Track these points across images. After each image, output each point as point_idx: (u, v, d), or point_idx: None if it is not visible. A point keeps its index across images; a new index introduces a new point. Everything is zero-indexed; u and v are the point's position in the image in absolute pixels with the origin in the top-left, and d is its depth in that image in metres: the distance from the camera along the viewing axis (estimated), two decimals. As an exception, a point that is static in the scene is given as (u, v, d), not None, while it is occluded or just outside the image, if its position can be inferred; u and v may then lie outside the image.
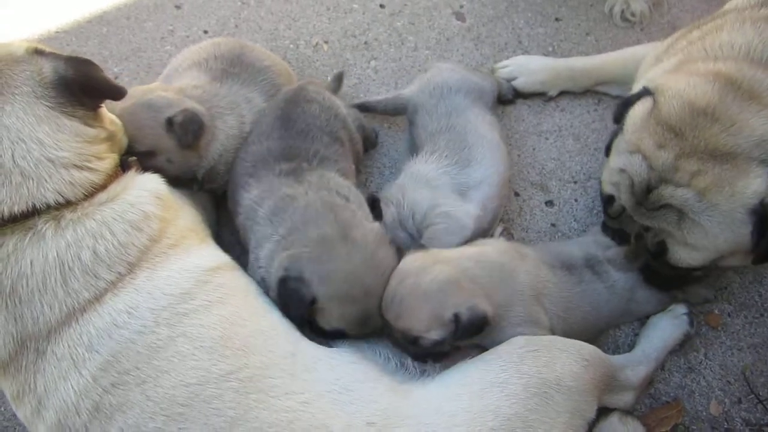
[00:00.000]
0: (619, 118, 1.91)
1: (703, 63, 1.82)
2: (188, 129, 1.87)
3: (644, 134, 1.76)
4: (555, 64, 2.56)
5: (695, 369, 2.07)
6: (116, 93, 1.70)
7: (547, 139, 2.49)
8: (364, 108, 2.35)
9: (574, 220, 2.33)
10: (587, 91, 2.58)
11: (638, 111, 1.81)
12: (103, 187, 1.60)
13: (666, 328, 2.04)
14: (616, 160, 1.86)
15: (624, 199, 1.85)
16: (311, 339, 1.70)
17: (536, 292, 1.82)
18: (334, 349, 1.67)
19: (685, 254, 1.79)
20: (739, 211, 1.66)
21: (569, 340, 1.77)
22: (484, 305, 1.65)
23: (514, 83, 2.53)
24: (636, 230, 1.90)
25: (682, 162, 1.68)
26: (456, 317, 1.62)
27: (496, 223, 2.15)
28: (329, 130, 1.99)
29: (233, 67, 2.14)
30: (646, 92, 1.82)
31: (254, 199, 1.85)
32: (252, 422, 1.44)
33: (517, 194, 2.36)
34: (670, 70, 1.93)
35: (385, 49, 2.65)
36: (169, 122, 1.85)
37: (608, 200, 1.94)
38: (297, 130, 1.94)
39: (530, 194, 2.37)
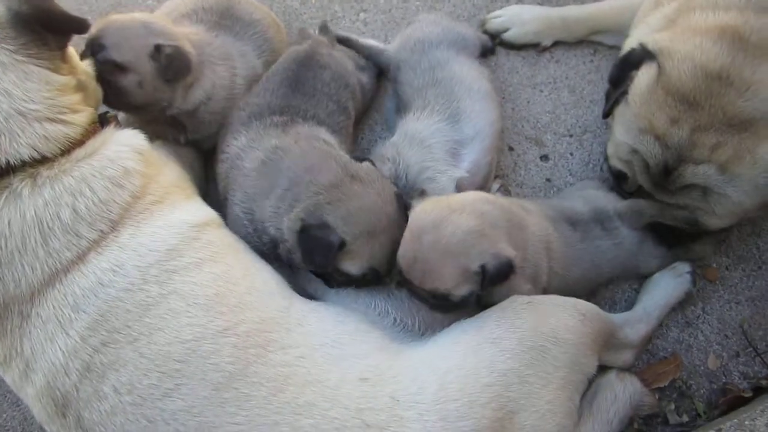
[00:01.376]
0: (617, 79, 1.83)
1: (703, 13, 1.74)
2: (173, 64, 1.79)
3: (654, 108, 1.68)
4: (548, 13, 2.48)
5: (693, 324, 2.05)
6: (79, 26, 1.61)
7: (541, 91, 2.42)
8: (347, 43, 2.28)
9: (570, 175, 2.28)
10: (582, 41, 2.49)
11: (643, 79, 1.73)
12: (80, 142, 1.53)
13: (668, 286, 2.01)
14: (625, 137, 1.78)
15: (641, 180, 1.81)
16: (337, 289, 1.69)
17: (545, 246, 1.77)
18: (321, 304, 1.64)
19: (715, 221, 1.78)
20: (763, 175, 1.63)
21: (566, 297, 1.75)
22: (508, 250, 1.57)
23: (506, 35, 2.45)
24: (660, 204, 1.85)
25: (699, 136, 1.63)
26: (482, 268, 1.54)
27: (491, 177, 2.10)
28: (336, 99, 1.98)
29: (224, 20, 2.09)
30: (647, 54, 1.73)
31: (241, 147, 1.82)
32: (251, 377, 1.41)
33: (511, 149, 2.31)
34: (670, 16, 1.85)
35: (375, 1, 2.56)
36: (157, 49, 1.77)
37: (619, 175, 1.89)
38: (302, 92, 1.93)
39: (525, 149, 2.32)
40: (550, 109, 2.39)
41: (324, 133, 1.85)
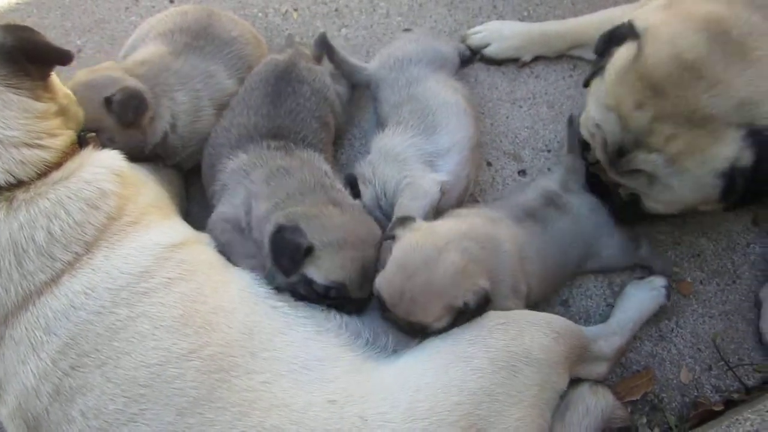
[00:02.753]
0: (601, 51, 1.86)
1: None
2: (128, 107, 1.83)
3: (624, 89, 1.70)
4: (528, 28, 2.51)
5: (666, 337, 2.08)
6: (62, 57, 1.63)
7: (520, 107, 2.45)
8: (327, 49, 2.27)
9: (547, 190, 2.30)
10: (562, 57, 2.52)
11: (621, 58, 1.74)
12: (57, 165, 1.55)
13: (643, 300, 2.03)
14: (593, 109, 1.83)
15: (598, 155, 1.85)
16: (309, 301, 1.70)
17: (518, 258, 1.81)
18: (290, 323, 1.65)
19: (656, 206, 1.83)
20: (709, 175, 1.65)
21: (539, 313, 1.77)
22: (484, 284, 1.64)
23: (487, 50, 2.47)
24: (609, 180, 1.90)
25: (657, 125, 1.65)
26: (465, 304, 1.61)
27: (468, 190, 2.12)
28: (318, 115, 2.02)
29: (197, 40, 2.10)
30: (632, 33, 1.74)
31: (243, 165, 1.87)
32: (215, 402, 1.43)
33: (489, 164, 2.33)
34: (663, 3, 1.84)
35: (356, 16, 2.59)
36: (108, 101, 1.81)
37: (585, 145, 1.93)
38: (286, 110, 1.97)
39: (503, 163, 2.34)
40: (529, 125, 2.41)
41: (323, 163, 1.93)
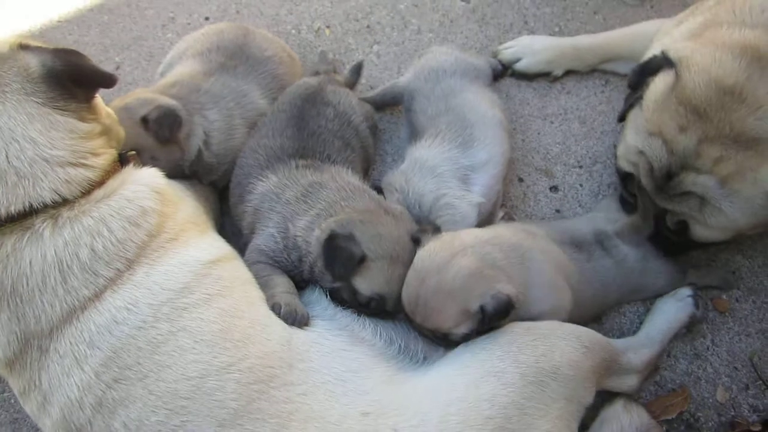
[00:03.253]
0: (635, 84, 1.87)
1: (729, 28, 1.76)
2: (163, 123, 1.88)
3: (665, 115, 1.72)
4: (559, 42, 2.52)
5: (702, 355, 2.05)
6: (107, 81, 1.67)
7: (552, 122, 2.45)
8: (370, 102, 2.33)
9: (579, 206, 2.30)
10: (594, 72, 2.53)
11: (659, 86, 1.77)
12: (100, 183, 1.59)
13: (670, 311, 2.02)
14: (634, 139, 1.83)
15: (644, 182, 1.84)
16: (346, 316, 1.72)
17: (557, 268, 1.81)
18: (325, 334, 1.67)
19: (706, 233, 1.81)
20: (762, 196, 1.65)
21: (569, 326, 1.77)
22: (506, 288, 1.63)
23: (518, 65, 2.49)
24: (656, 209, 1.88)
25: (704, 147, 1.65)
26: (482, 308, 1.61)
27: (498, 205, 2.13)
28: (341, 136, 2.05)
29: (231, 60, 2.15)
30: (667, 62, 1.76)
31: (274, 186, 1.89)
32: (254, 414, 1.45)
33: (521, 179, 2.33)
34: (695, 31, 1.87)
35: (388, 33, 2.62)
36: (144, 120, 1.87)
37: (625, 177, 1.93)
38: (309, 132, 2.00)
39: (534, 179, 2.34)
40: (561, 140, 2.41)
41: (351, 176, 1.94)
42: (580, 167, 2.37)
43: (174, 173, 1.94)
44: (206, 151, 2.02)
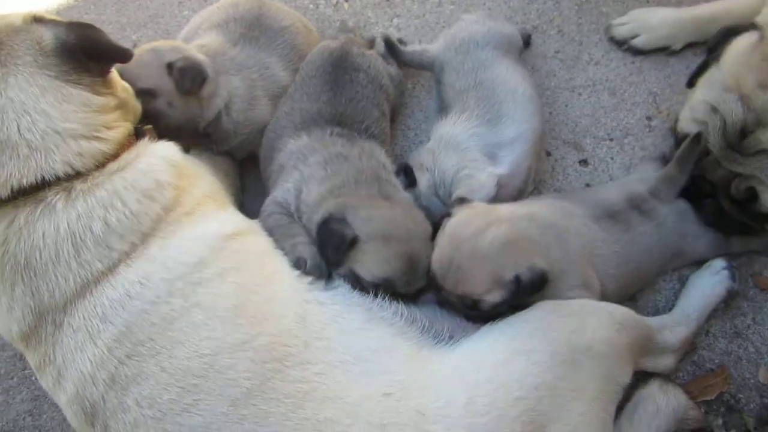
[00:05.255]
0: (714, 48, 1.80)
1: None
2: (186, 74, 1.84)
3: (745, 69, 1.66)
4: (678, 15, 2.37)
5: (742, 334, 1.96)
6: (122, 55, 1.64)
7: (580, 94, 2.36)
8: (391, 47, 2.25)
9: (610, 180, 2.21)
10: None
11: (741, 44, 1.71)
12: (114, 156, 1.56)
13: (705, 286, 1.93)
14: (707, 95, 1.77)
15: (713, 141, 1.76)
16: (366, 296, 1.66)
17: (588, 254, 1.75)
18: (343, 311, 1.61)
19: None
20: None
21: (601, 303, 1.71)
22: (542, 264, 1.59)
23: (636, 42, 2.37)
24: (720, 175, 1.80)
25: None
26: (517, 278, 1.56)
27: (530, 183, 2.05)
28: (377, 103, 2.00)
29: (252, 31, 2.11)
30: (752, 27, 1.72)
31: (304, 146, 1.86)
32: (269, 393, 1.41)
33: (549, 153, 2.25)
34: None
35: (408, 6, 2.54)
36: (169, 66, 1.83)
37: (682, 141, 1.85)
38: (346, 98, 1.95)
39: (563, 153, 2.26)
40: (590, 113, 2.32)
41: (383, 155, 1.89)
42: (611, 140, 2.27)
43: (186, 128, 1.91)
44: (226, 116, 1.99)
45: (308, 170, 1.81)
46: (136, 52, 1.83)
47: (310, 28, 2.29)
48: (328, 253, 1.66)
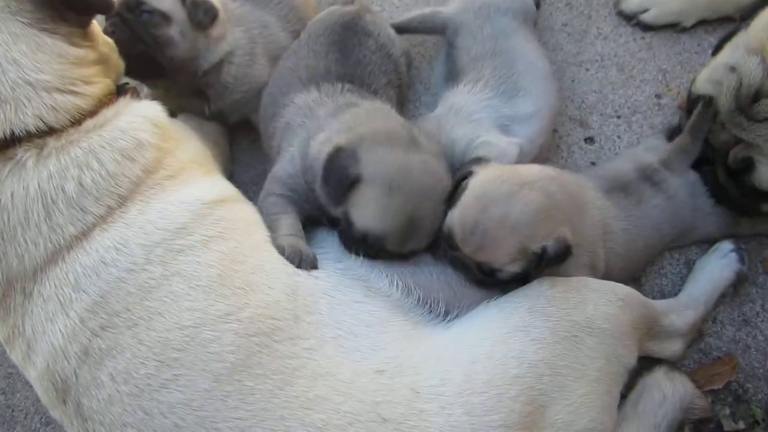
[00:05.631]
0: (748, 15, 1.72)
1: None
2: (200, 6, 1.79)
3: None
4: None
5: (751, 322, 1.87)
6: (102, 6, 1.54)
7: (587, 69, 2.26)
8: (395, 29, 2.14)
9: (617, 159, 2.11)
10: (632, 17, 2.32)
11: None
12: (92, 113, 1.45)
13: (713, 269, 1.85)
14: (729, 56, 1.69)
15: (723, 101, 1.67)
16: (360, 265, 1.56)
17: (602, 231, 1.66)
18: (336, 284, 1.51)
19: None
20: None
21: (602, 281, 1.61)
22: (568, 234, 1.49)
23: (645, 16, 2.27)
24: (722, 140, 1.72)
25: None
26: (543, 249, 1.46)
27: (541, 161, 1.94)
28: (384, 71, 1.91)
29: None
30: None
31: (312, 100, 1.76)
32: (255, 369, 1.31)
33: (554, 130, 2.15)
34: None
35: (410, -26, 2.42)
36: None
37: (695, 102, 1.78)
38: (355, 60, 1.86)
39: (568, 130, 2.16)
40: (597, 89, 2.22)
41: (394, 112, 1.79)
42: (618, 117, 2.17)
43: (188, 68, 1.85)
44: (228, 64, 1.91)
45: (315, 124, 1.68)
46: None
47: (308, -9, 2.19)
48: (329, 188, 1.54)
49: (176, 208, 1.43)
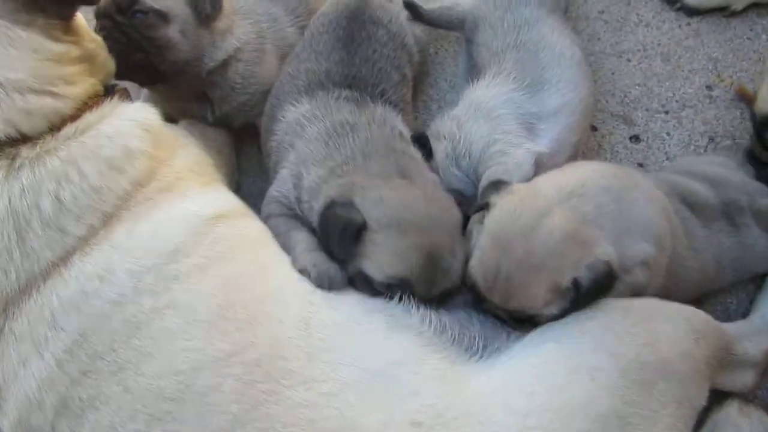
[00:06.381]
0: None
1: None
2: None
3: None
4: None
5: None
6: None
7: (629, 60, 2.04)
8: (412, 9, 1.96)
9: (667, 158, 1.90)
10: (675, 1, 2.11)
11: None
12: (73, 118, 1.26)
13: None
14: None
15: None
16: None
17: (665, 208, 1.44)
18: (358, 315, 1.31)
19: None
20: None
21: (673, 304, 1.39)
22: (604, 251, 1.28)
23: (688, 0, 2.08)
24: None
25: None
26: (575, 282, 1.26)
27: (577, 158, 1.75)
28: (398, 65, 1.72)
29: None
30: None
31: (305, 114, 1.58)
32: (261, 421, 1.11)
33: (594, 128, 1.94)
34: None
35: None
36: None
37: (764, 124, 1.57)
38: (362, 57, 1.68)
39: (610, 128, 1.94)
40: (640, 81, 2.01)
41: (399, 123, 1.61)
42: (666, 113, 1.96)
43: (191, 69, 1.66)
44: (234, 63, 1.72)
45: (305, 148, 1.51)
46: None
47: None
48: (333, 247, 1.36)
49: (170, 226, 1.23)
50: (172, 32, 1.58)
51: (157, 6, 1.55)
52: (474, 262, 1.33)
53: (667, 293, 1.47)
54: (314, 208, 1.43)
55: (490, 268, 1.30)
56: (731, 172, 1.67)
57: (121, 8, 1.54)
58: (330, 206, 1.37)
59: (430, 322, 1.32)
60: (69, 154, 1.19)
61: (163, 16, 1.56)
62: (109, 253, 1.16)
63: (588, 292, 1.25)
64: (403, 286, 1.33)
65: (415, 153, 1.54)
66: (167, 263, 1.18)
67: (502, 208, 1.34)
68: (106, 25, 1.55)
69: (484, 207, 1.38)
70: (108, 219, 1.19)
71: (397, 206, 1.35)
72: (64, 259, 1.15)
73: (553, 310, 1.28)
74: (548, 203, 1.32)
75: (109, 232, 1.18)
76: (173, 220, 1.24)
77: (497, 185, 1.46)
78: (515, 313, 1.31)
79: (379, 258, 1.32)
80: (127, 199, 1.23)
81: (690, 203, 1.53)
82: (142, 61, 1.58)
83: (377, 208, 1.34)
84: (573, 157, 1.71)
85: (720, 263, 1.56)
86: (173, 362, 1.11)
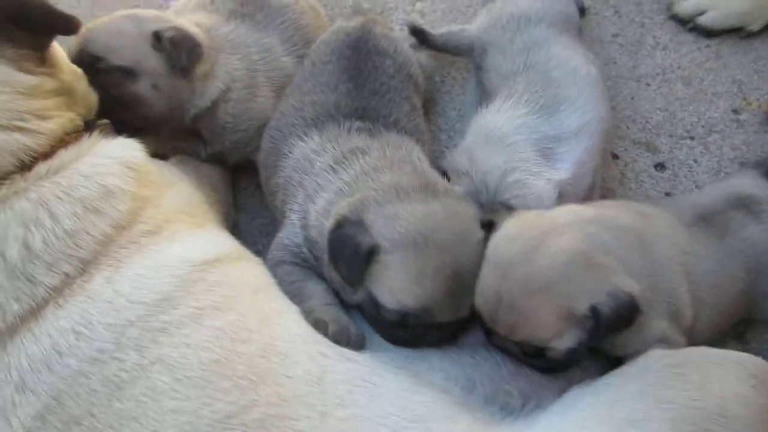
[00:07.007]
0: None
1: None
2: (181, 47, 1.48)
3: None
4: None
5: None
6: (64, 25, 1.26)
7: (648, 84, 1.93)
8: (419, 35, 1.88)
9: (696, 187, 1.77)
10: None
11: None
12: (46, 155, 1.15)
13: None
14: None
15: None
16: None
17: (683, 269, 1.31)
18: (377, 369, 1.17)
19: None
20: None
21: (722, 350, 1.25)
22: (627, 284, 1.14)
23: (703, 19, 1.99)
24: None
25: None
26: (594, 310, 1.12)
27: (596, 190, 1.62)
28: (407, 96, 1.62)
29: (244, 6, 1.73)
30: None
31: (312, 150, 1.47)
32: None
33: (615, 156, 1.82)
34: None
35: (434, -12, 2.14)
36: (157, 37, 1.47)
37: None
38: (371, 90, 1.58)
39: (633, 156, 1.82)
40: (662, 106, 1.90)
41: (416, 150, 1.49)
42: (691, 138, 1.84)
43: (171, 120, 1.55)
44: (224, 103, 1.60)
45: (314, 182, 1.39)
46: (107, 19, 1.48)
47: (317, 9, 1.91)
48: (342, 271, 1.23)
49: (156, 273, 1.10)
50: (142, 87, 1.47)
51: (119, 62, 1.44)
52: (477, 291, 1.20)
53: (716, 327, 1.38)
54: (322, 232, 1.30)
55: (489, 296, 1.17)
56: (746, 178, 1.57)
57: (84, 65, 1.44)
58: (339, 225, 1.24)
59: (456, 379, 1.18)
60: (40, 196, 1.08)
61: (128, 72, 1.46)
62: (86, 304, 1.04)
63: (609, 321, 1.12)
64: (422, 313, 1.19)
65: (434, 171, 1.43)
66: (153, 314, 1.05)
67: (503, 230, 1.23)
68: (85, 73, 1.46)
69: (490, 225, 1.26)
70: (85, 266, 1.07)
71: (413, 222, 1.21)
72: (34, 312, 1.02)
73: (567, 342, 1.15)
74: (555, 224, 1.21)
75: (86, 281, 1.06)
76: (160, 266, 1.11)
77: (508, 208, 1.34)
78: (525, 347, 1.18)
79: (392, 283, 1.19)
80: (107, 244, 1.11)
81: (705, 217, 1.42)
82: (121, 114, 1.47)
83: (391, 226, 1.21)
84: (592, 188, 1.59)
85: (757, 262, 1.42)
86: (161, 426, 0.98)
